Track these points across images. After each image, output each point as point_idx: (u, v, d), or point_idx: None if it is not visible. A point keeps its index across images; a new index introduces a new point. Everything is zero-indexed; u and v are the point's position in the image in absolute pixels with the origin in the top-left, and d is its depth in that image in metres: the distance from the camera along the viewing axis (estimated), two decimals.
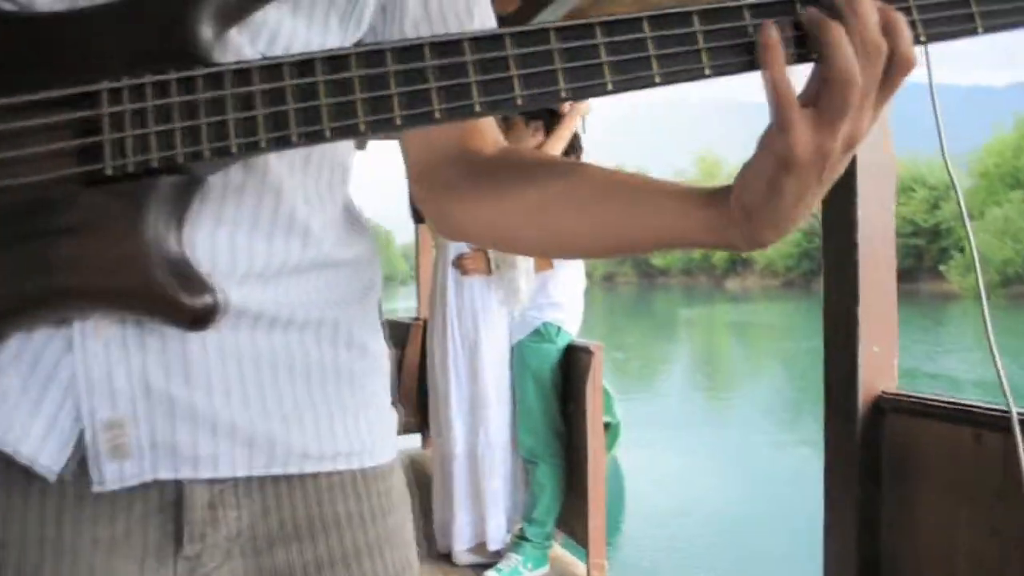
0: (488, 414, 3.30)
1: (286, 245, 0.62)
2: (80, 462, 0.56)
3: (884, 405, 1.87)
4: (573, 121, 3.35)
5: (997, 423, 1.64)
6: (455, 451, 3.32)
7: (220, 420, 0.59)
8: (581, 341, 3.38)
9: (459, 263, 3.33)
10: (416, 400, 4.33)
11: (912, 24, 0.52)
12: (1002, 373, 1.64)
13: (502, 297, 3.33)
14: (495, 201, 0.71)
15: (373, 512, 0.68)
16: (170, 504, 0.59)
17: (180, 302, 0.52)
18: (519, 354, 3.35)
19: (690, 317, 37.88)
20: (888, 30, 0.51)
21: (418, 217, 3.54)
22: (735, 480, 8.45)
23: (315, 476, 0.65)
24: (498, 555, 3.28)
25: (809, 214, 0.59)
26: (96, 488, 0.57)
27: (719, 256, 77.99)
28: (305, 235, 0.64)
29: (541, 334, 3.34)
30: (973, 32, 0.52)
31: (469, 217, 0.73)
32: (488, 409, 3.30)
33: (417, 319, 4.81)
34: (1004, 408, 1.62)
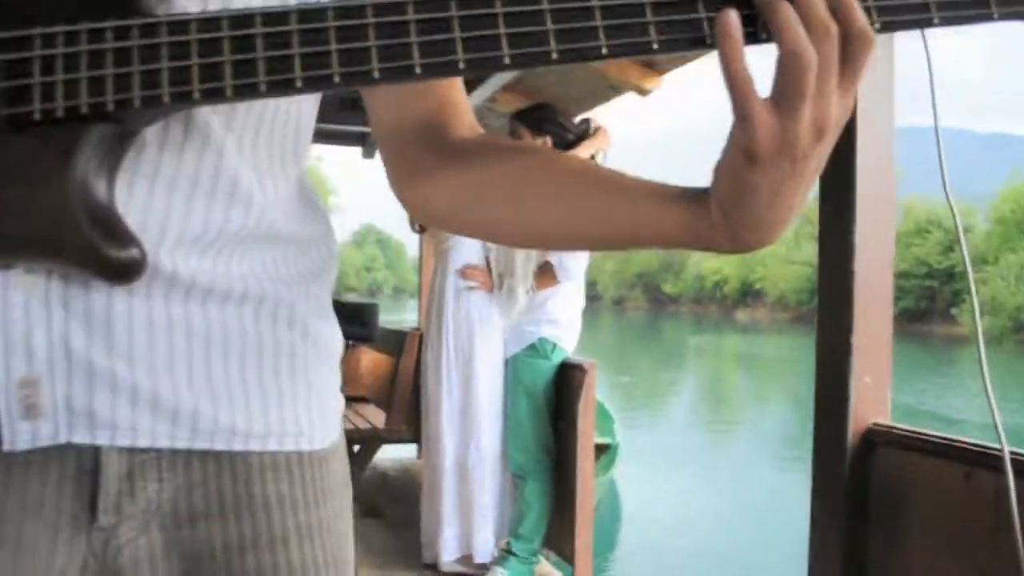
0: (480, 426, 3.27)
1: (226, 212, 0.60)
2: None
3: (875, 438, 1.83)
4: (588, 149, 3.33)
5: (989, 462, 1.60)
6: (444, 462, 3.29)
7: (141, 390, 0.57)
8: (576, 358, 3.34)
9: (464, 273, 3.32)
10: (411, 410, 4.30)
11: (867, 11, 0.50)
12: (995, 410, 1.60)
13: (500, 307, 3.31)
14: (468, 182, 0.69)
15: (306, 498, 0.65)
16: (86, 471, 0.57)
17: (103, 253, 0.50)
18: (513, 368, 3.32)
19: (699, 345, 37.77)
20: (838, 9, 0.49)
21: (419, 228, 3.54)
22: (731, 508, 8.37)
23: (245, 455, 0.62)
24: (484, 568, 3.25)
25: (793, 215, 0.56)
26: (7, 447, 0.54)
27: (730, 286, 77.80)
28: (248, 204, 0.61)
29: (536, 349, 3.31)
30: (929, 23, 0.49)
31: (443, 199, 0.71)
32: (480, 421, 3.27)
33: (416, 329, 4.79)
34: (997, 447, 1.59)
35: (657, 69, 3.95)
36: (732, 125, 0.52)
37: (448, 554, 3.29)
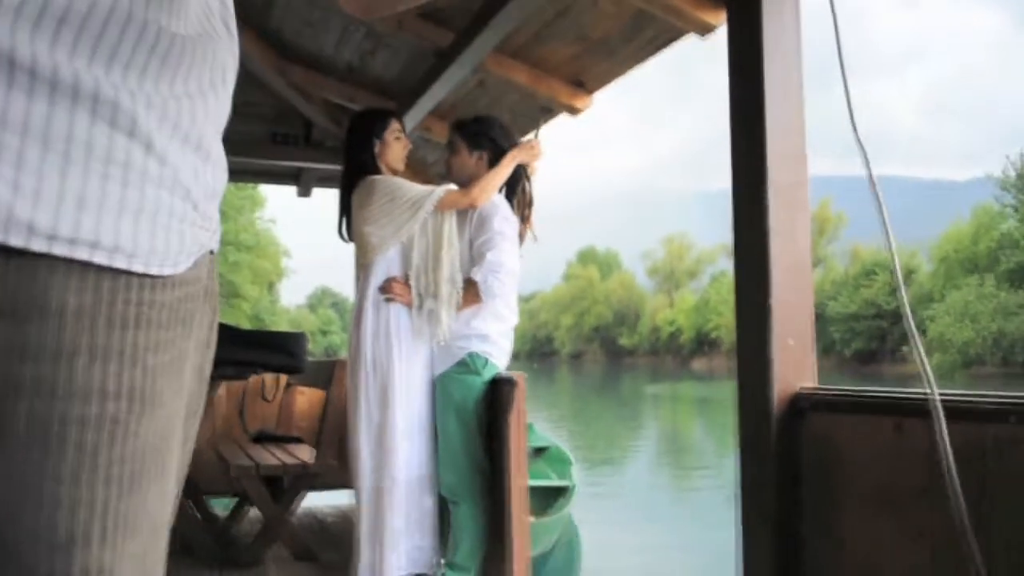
0: (394, 448, 3.06)
1: None
2: None
3: (802, 403, 1.71)
4: (513, 159, 3.25)
5: (919, 409, 1.48)
6: (362, 484, 3.09)
7: None
8: (505, 373, 3.19)
9: (386, 287, 3.16)
10: (342, 444, 4.09)
11: None
12: (922, 355, 1.49)
13: (419, 328, 3.15)
14: None
15: (111, 317, 0.58)
16: None
17: None
18: (442, 386, 3.15)
19: (656, 393, 37.77)
20: None
21: (347, 236, 3.39)
22: (690, 546, 8.20)
23: (48, 258, 0.56)
24: None
25: None
26: None
27: (686, 336, 78.27)
28: None
29: (467, 365, 3.14)
30: None
31: None
32: (394, 443, 3.06)
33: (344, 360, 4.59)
34: (925, 392, 1.47)
35: (586, 88, 4.01)
36: None
37: None
